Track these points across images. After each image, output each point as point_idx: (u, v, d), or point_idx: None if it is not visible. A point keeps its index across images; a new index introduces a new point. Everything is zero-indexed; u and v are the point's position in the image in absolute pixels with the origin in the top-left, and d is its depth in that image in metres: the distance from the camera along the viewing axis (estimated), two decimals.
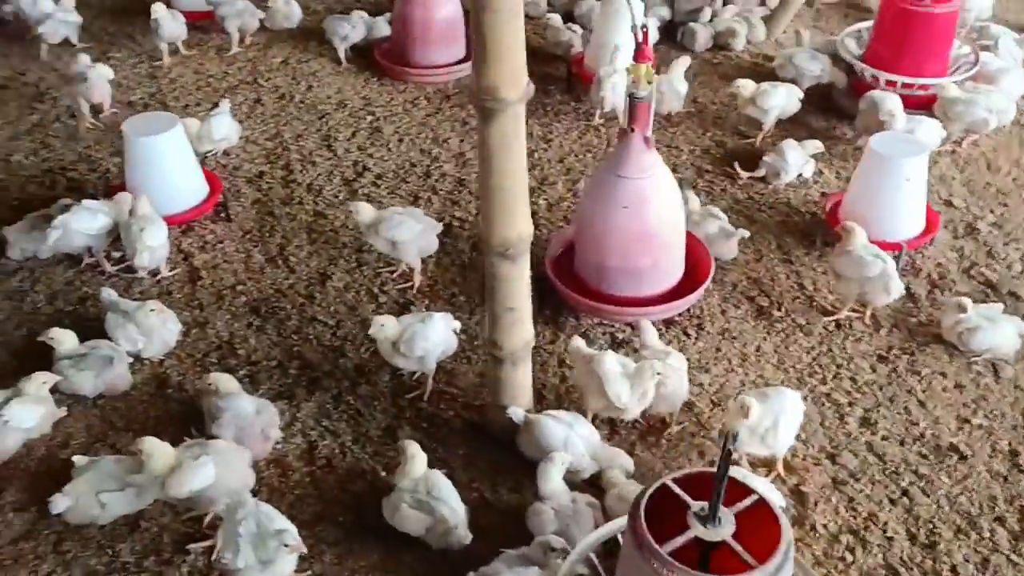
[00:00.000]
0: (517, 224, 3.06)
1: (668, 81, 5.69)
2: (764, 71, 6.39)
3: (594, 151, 5.59)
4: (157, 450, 3.19)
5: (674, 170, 4.59)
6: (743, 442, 3.26)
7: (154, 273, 4.53)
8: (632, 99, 3.81)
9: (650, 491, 2.35)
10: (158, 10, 6.32)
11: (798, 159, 5.13)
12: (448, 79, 6.39)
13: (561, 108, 6.05)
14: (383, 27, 6.76)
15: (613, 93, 5.63)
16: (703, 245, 4.34)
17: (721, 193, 5.18)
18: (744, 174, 5.25)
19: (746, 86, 5.45)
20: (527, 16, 6.97)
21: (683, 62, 5.82)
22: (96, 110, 5.78)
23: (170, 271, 4.58)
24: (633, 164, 3.91)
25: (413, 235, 4.36)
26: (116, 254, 4.63)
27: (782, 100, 5.46)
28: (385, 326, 3.70)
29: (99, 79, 5.62)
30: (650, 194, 3.91)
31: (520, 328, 3.31)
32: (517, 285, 3.19)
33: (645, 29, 3.72)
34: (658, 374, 3.44)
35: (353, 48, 6.62)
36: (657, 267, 4.06)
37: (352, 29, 6.54)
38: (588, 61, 6.14)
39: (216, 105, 5.56)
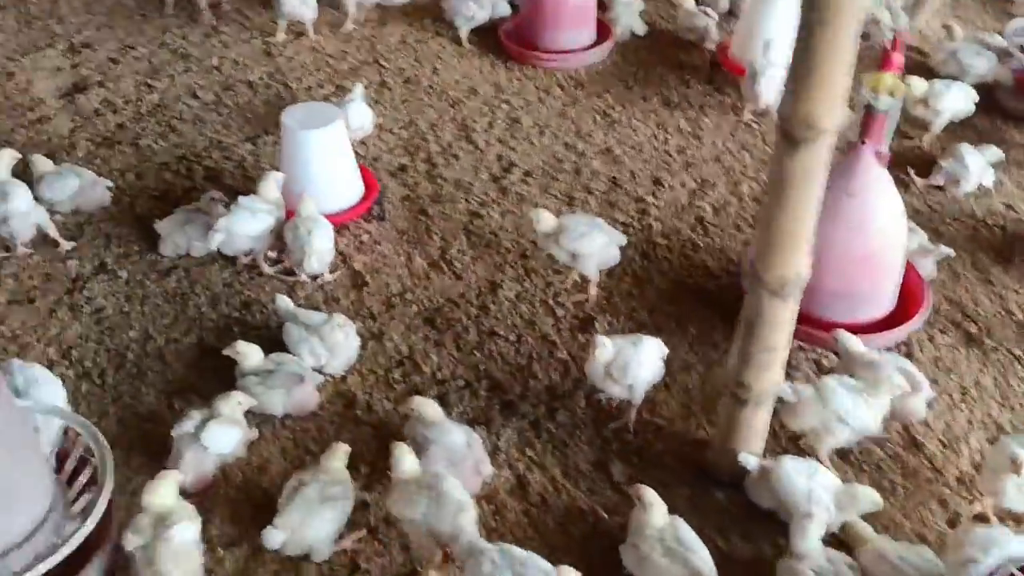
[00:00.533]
0: (797, 262, 2.81)
1: None
2: (912, 65, 6.06)
3: (751, 149, 5.30)
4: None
5: None
6: (1011, 499, 3.03)
7: (314, 276, 4.28)
8: (868, 110, 3.53)
9: None
10: None
11: (978, 165, 4.85)
12: (578, 64, 6.09)
13: (706, 101, 5.75)
14: (502, 6, 6.43)
15: (768, 89, 5.33)
16: (912, 265, 4.08)
17: None
18: (920, 181, 4.96)
19: (917, 85, 5.14)
20: None
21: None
22: None
23: (332, 274, 4.33)
24: (860, 180, 3.64)
25: (596, 248, 4.11)
26: (272, 254, 4.38)
27: (958, 102, 5.16)
28: (606, 347, 3.46)
29: None
30: (876, 213, 3.65)
31: (773, 370, 3.07)
32: (783, 327, 2.95)
33: (896, 35, 3.43)
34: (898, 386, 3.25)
35: (474, 28, 6.31)
36: (875, 291, 3.81)
37: (479, 10, 6.22)
38: (735, 51, 5.82)
39: (341, 89, 5.30)
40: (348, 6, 6.33)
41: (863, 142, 3.60)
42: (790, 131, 2.58)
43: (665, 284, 4.36)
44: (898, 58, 3.43)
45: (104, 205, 4.64)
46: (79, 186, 4.53)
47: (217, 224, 4.12)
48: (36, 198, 4.33)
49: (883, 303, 3.88)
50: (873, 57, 4.80)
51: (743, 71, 5.66)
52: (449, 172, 5.09)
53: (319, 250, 4.13)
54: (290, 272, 4.31)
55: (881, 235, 3.70)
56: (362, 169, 4.72)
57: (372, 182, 4.72)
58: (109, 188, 4.67)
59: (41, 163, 4.54)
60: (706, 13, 6.32)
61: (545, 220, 4.12)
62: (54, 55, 6.00)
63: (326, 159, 4.38)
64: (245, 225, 4.16)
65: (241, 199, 4.24)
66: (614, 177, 5.09)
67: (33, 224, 4.28)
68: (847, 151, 3.74)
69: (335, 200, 4.45)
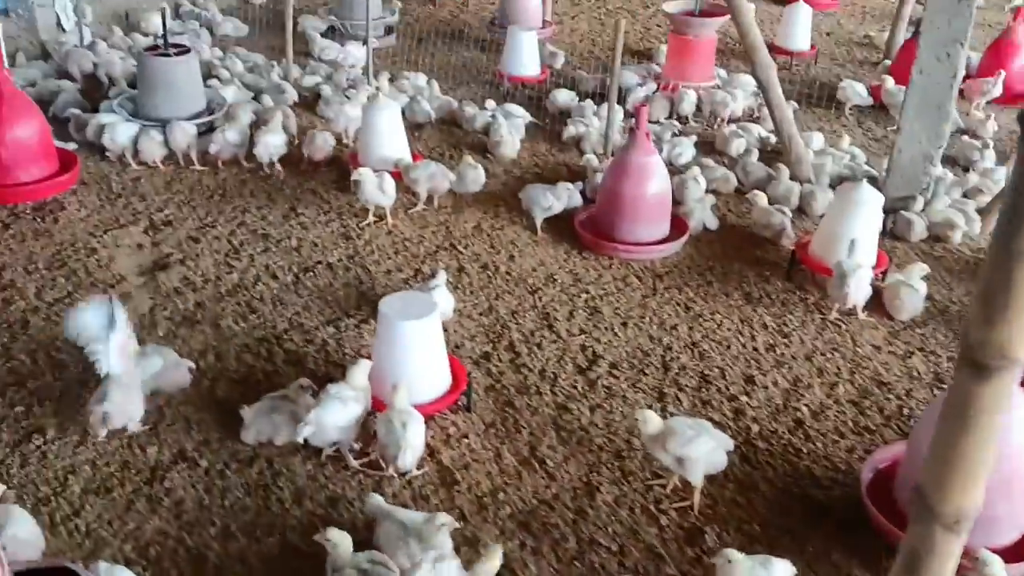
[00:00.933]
0: (975, 493, 2.58)
1: (906, 282, 5.37)
2: None
3: (841, 350, 5.17)
4: None
5: None
6: None
7: (403, 472, 4.07)
8: None
9: None
10: (363, 173, 6.12)
11: None
12: (654, 256, 6.08)
13: (787, 298, 5.69)
14: (576, 197, 6.53)
15: (856, 290, 5.27)
16: None
17: None
18: None
19: None
20: (716, 192, 6.78)
21: (921, 268, 5.50)
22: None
23: (419, 470, 4.12)
24: None
25: (703, 452, 3.91)
26: (356, 446, 4.20)
27: None
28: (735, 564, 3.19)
29: None
30: (1017, 431, 3.45)
31: None
32: (951, 561, 2.69)
33: None
34: None
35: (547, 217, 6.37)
36: (1012, 515, 3.55)
37: (556, 200, 6.30)
38: (816, 250, 5.80)
39: (420, 274, 5.25)
40: (420, 190, 6.44)
41: None
42: (981, 359, 2.42)
43: (771, 492, 4.12)
44: None
45: (184, 387, 4.51)
46: (162, 366, 4.42)
47: (308, 416, 3.96)
48: None
49: (1017, 528, 3.61)
50: None
51: (825, 270, 5.64)
52: (533, 361, 4.97)
53: (414, 445, 3.94)
54: (376, 466, 4.10)
55: (1021, 455, 3.48)
56: (449, 357, 4.59)
57: (458, 371, 4.58)
58: (191, 370, 4.56)
59: None
60: (781, 211, 6.38)
61: (651, 422, 3.95)
62: (136, 232, 6.06)
63: (421, 350, 4.27)
64: (335, 415, 4.01)
65: (331, 388, 4.11)
66: (704, 373, 4.94)
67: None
68: None
69: (426, 391, 4.31)
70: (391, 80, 8.76)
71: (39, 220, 6.09)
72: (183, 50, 7.15)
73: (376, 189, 6.14)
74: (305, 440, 4.12)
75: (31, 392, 4.49)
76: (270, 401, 4.21)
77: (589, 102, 8.36)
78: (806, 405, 4.72)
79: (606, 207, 6.17)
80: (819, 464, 4.30)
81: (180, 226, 6.17)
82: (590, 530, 3.87)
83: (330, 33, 10.33)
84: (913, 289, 5.39)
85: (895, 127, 8.30)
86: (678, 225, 6.27)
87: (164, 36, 7.24)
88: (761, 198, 6.47)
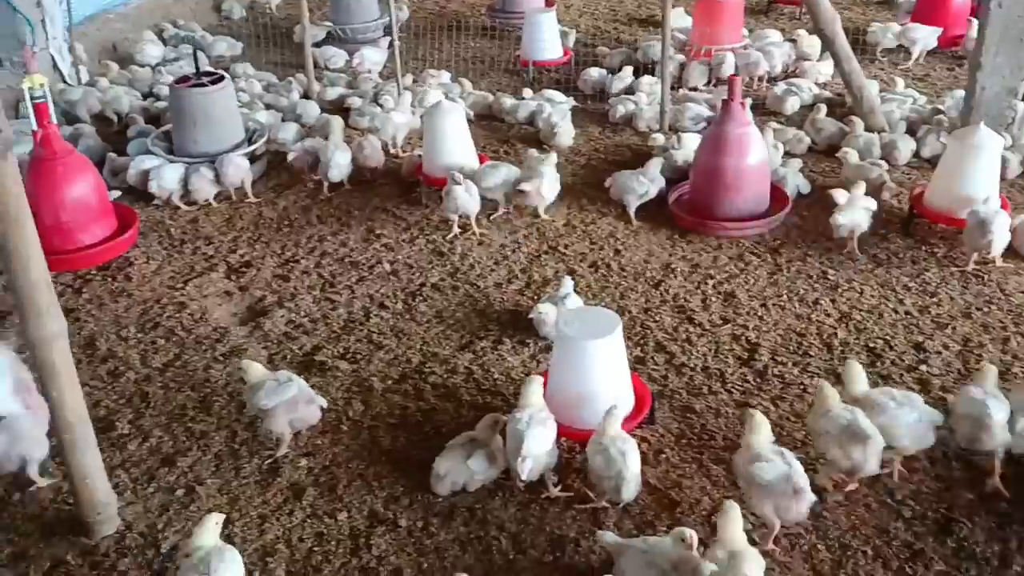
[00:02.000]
0: None
1: None
2: None
3: (996, 301, 4.98)
4: None
5: None
6: None
7: (617, 502, 3.78)
8: None
9: None
10: (457, 179, 5.77)
11: None
12: (763, 230, 5.83)
13: (914, 255, 5.51)
14: (661, 181, 6.24)
15: (1000, 236, 5.08)
16: None
17: None
18: None
19: None
20: (789, 155, 6.55)
21: None
22: None
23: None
24: None
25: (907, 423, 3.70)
26: (553, 476, 3.89)
27: None
28: None
29: None
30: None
31: None
32: None
33: None
34: None
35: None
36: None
37: (651, 184, 6.02)
38: (933, 199, 5.61)
39: (531, 283, 4.94)
40: (498, 195, 6.11)
41: None
42: None
43: None
44: None
45: (313, 424, 4.17)
46: (292, 397, 4.06)
47: (523, 450, 3.64)
48: None
49: None
50: None
51: (947, 220, 5.47)
52: (691, 360, 4.69)
53: (635, 475, 3.65)
54: (584, 497, 3.81)
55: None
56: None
57: (635, 383, 4.28)
58: (322, 408, 4.21)
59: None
60: (876, 164, 6.18)
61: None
62: (217, 279, 5.64)
63: (611, 367, 3.97)
64: (544, 441, 3.70)
65: (521, 414, 3.79)
66: (868, 346, 4.72)
67: None
68: None
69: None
70: (414, 81, 8.39)
71: (111, 280, 5.62)
72: (216, 78, 6.68)
73: (468, 196, 5.79)
74: (498, 480, 3.82)
75: (189, 468, 4.09)
76: (462, 447, 3.88)
77: (646, 78, 8.06)
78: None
79: (705, 185, 5.90)
80: None
81: (261, 265, 5.75)
82: (835, 532, 3.63)
83: (329, 40, 9.87)
84: None
85: (950, 66, 8.20)
86: (775, 195, 6.03)
87: (196, 66, 6.75)
88: (852, 155, 6.27)
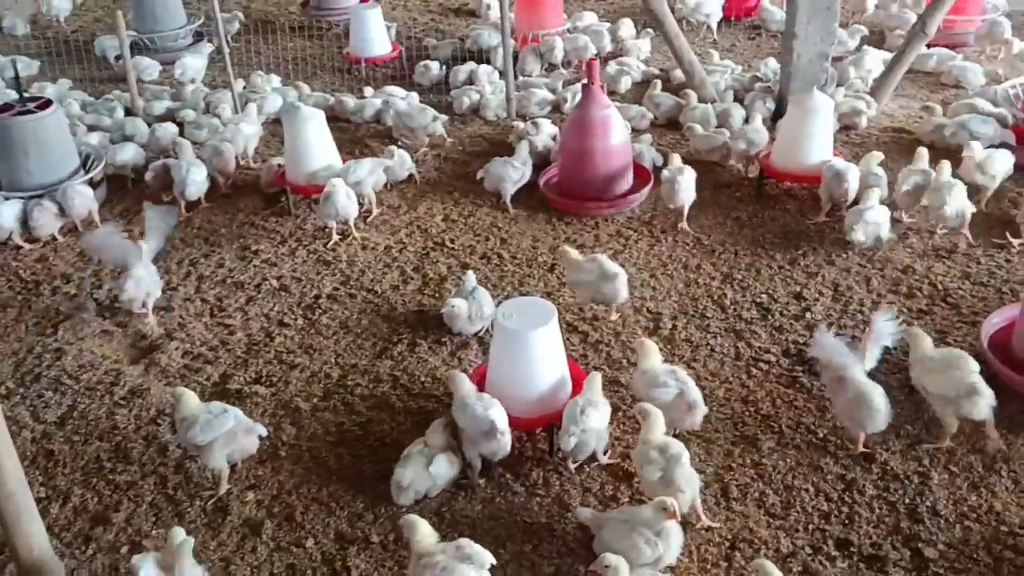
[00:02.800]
0: None
1: (871, 171, 5.78)
2: (905, 143, 6.66)
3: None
4: None
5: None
6: None
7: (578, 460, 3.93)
8: None
9: None
10: (337, 185, 5.65)
11: None
12: (635, 206, 6.14)
13: (768, 213, 5.97)
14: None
15: (853, 183, 5.60)
16: None
17: (1006, 266, 5.27)
18: (1016, 242, 5.39)
19: (975, 149, 5.63)
20: (635, 131, 6.91)
21: (877, 156, 5.92)
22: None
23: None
24: None
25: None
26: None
27: (1006, 164, 5.71)
28: None
29: None
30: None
31: None
32: None
33: None
34: None
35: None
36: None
37: (525, 168, 6.17)
38: (779, 160, 6.11)
39: (429, 282, 4.99)
40: (368, 192, 6.06)
41: None
42: None
43: None
44: None
45: (252, 454, 4.03)
46: (229, 429, 3.90)
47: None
48: None
49: None
50: None
51: (794, 177, 5.99)
52: (604, 336, 4.90)
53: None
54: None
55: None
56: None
57: (574, 368, 4.40)
58: (261, 437, 4.06)
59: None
60: (718, 132, 6.64)
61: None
62: (90, 318, 5.23)
63: (553, 355, 4.09)
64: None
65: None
66: (756, 301, 5.11)
67: None
68: None
69: (561, 396, 4.14)
70: (245, 87, 8.07)
71: None
72: (43, 102, 6.14)
73: (348, 200, 5.70)
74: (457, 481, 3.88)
75: (126, 523, 3.82)
76: (421, 455, 3.87)
77: (482, 68, 8.16)
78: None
79: (574, 167, 6.12)
80: None
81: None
82: (777, 476, 3.95)
83: (135, 51, 9.24)
84: (880, 177, 5.83)
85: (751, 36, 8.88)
86: (637, 171, 6.34)
87: (19, 90, 6.17)
88: (697, 127, 6.69)
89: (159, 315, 5.20)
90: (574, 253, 5.02)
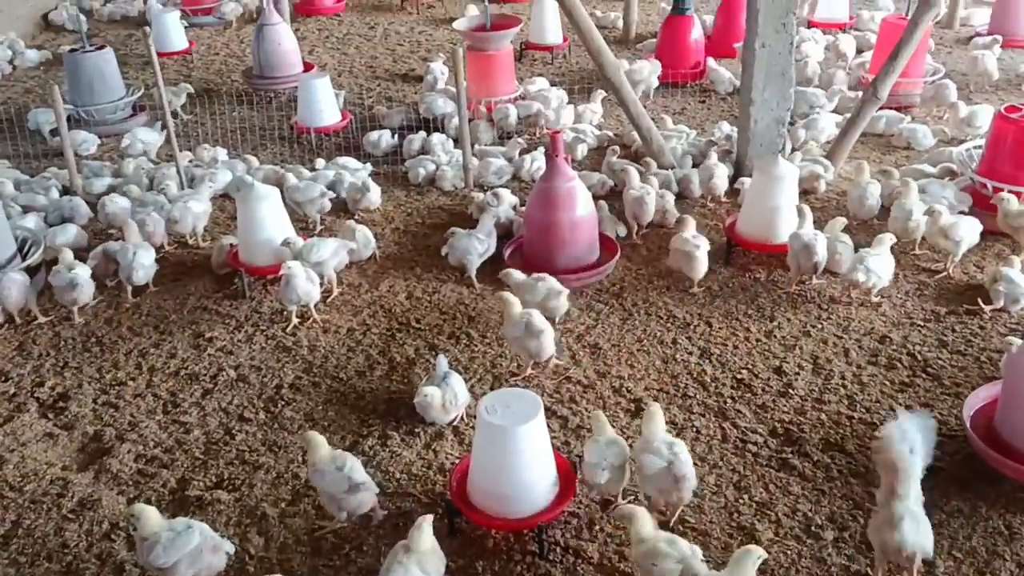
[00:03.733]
0: None
1: (838, 238, 5.77)
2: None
3: (824, 317, 5.46)
4: None
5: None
6: None
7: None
8: None
9: None
10: (294, 267, 5.40)
11: (1023, 279, 5.37)
12: (601, 277, 6.01)
13: (738, 282, 5.89)
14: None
15: (823, 253, 5.58)
16: None
17: (981, 333, 5.25)
18: (987, 308, 5.39)
19: (942, 215, 5.65)
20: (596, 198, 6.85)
21: (840, 221, 5.92)
22: None
23: None
24: None
25: None
26: None
27: (973, 233, 5.73)
28: None
29: None
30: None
31: None
32: None
33: None
34: None
35: None
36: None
37: (489, 240, 6.01)
38: (745, 228, 6.06)
39: (396, 366, 4.76)
40: (329, 272, 5.83)
41: None
42: None
43: None
44: None
45: (219, 572, 3.71)
46: (195, 547, 3.59)
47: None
48: None
49: None
50: None
51: (760, 247, 5.94)
52: (584, 420, 4.70)
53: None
54: None
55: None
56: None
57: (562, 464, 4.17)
58: (228, 554, 3.76)
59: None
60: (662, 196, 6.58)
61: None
62: (31, 420, 4.85)
63: (541, 450, 3.87)
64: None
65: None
66: (736, 377, 4.99)
67: None
68: None
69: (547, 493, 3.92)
70: (191, 161, 7.81)
71: None
72: None
73: (310, 283, 5.45)
74: None
75: None
76: (401, 563, 3.59)
77: (436, 137, 8.02)
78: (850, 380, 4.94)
79: (540, 240, 5.97)
80: None
81: (81, 396, 5.03)
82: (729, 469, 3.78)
83: (71, 124, 8.90)
84: (847, 244, 5.82)
85: (701, 99, 8.95)
86: (603, 241, 6.22)
87: None
88: (634, 179, 6.62)
89: (110, 415, 4.84)
90: (516, 306, 4.95)
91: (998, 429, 4.21)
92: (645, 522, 3.55)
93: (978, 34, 10.57)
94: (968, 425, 4.23)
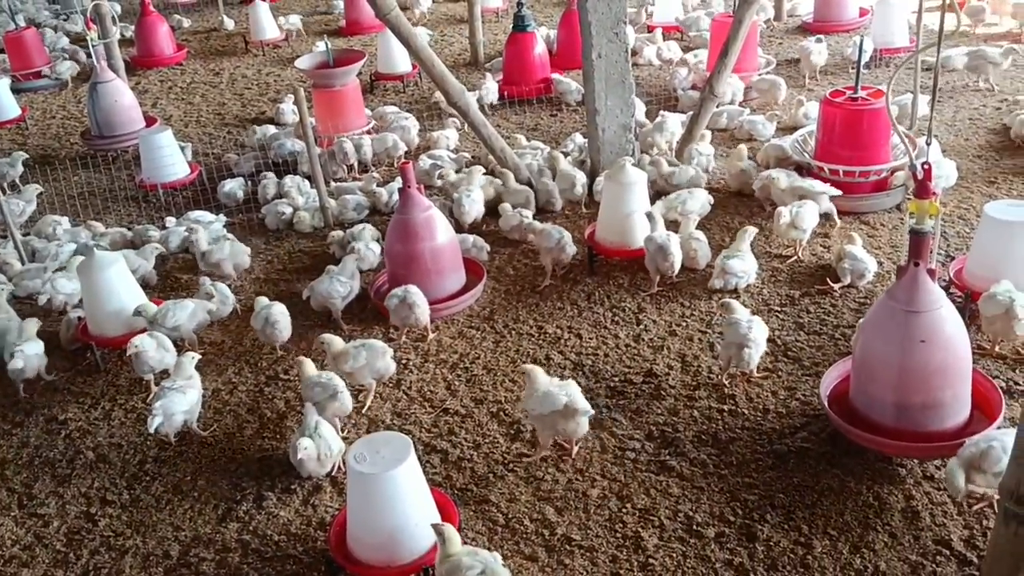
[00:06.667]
0: None
1: (692, 236, 5.94)
2: (716, 199, 6.87)
3: (687, 316, 5.58)
4: None
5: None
6: None
7: None
8: (916, 234, 3.98)
9: None
10: (142, 342, 5.16)
11: (866, 255, 5.63)
12: (471, 302, 5.98)
13: (602, 290, 5.96)
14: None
15: (678, 254, 5.71)
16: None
17: (833, 311, 5.46)
18: (836, 286, 5.61)
19: (784, 214, 5.87)
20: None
21: (694, 220, 6.11)
22: None
23: None
24: (923, 298, 4.03)
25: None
26: None
27: (815, 217, 5.99)
28: None
29: None
30: (944, 326, 4.04)
31: None
32: None
33: (927, 166, 3.95)
34: None
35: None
36: (957, 400, 4.15)
37: (352, 281, 5.89)
38: (604, 235, 6.16)
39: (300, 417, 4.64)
40: (189, 334, 5.62)
41: (916, 264, 4.00)
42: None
43: None
44: (931, 185, 3.94)
45: None
46: None
47: None
48: None
49: (963, 410, 4.20)
50: None
51: (621, 252, 6.04)
52: (464, 451, 4.65)
53: None
54: None
55: (953, 346, 4.04)
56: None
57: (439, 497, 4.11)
58: None
59: None
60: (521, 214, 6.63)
61: None
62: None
63: (417, 493, 3.79)
64: None
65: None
66: (610, 385, 5.03)
67: None
68: (900, 274, 4.12)
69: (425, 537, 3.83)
70: (26, 234, 7.41)
71: None
72: None
73: (163, 351, 5.22)
74: None
75: None
76: None
77: (290, 179, 7.83)
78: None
79: (405, 273, 5.87)
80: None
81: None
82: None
83: None
84: (701, 241, 5.98)
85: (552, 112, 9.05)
86: (467, 265, 6.20)
87: None
88: (509, 211, 6.67)
89: None
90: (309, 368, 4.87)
91: (853, 403, 4.36)
92: (454, 541, 3.54)
93: (804, 24, 11.10)
94: (826, 404, 4.36)
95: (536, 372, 4.46)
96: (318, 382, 4.71)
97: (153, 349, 5.18)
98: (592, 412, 4.31)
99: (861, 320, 4.60)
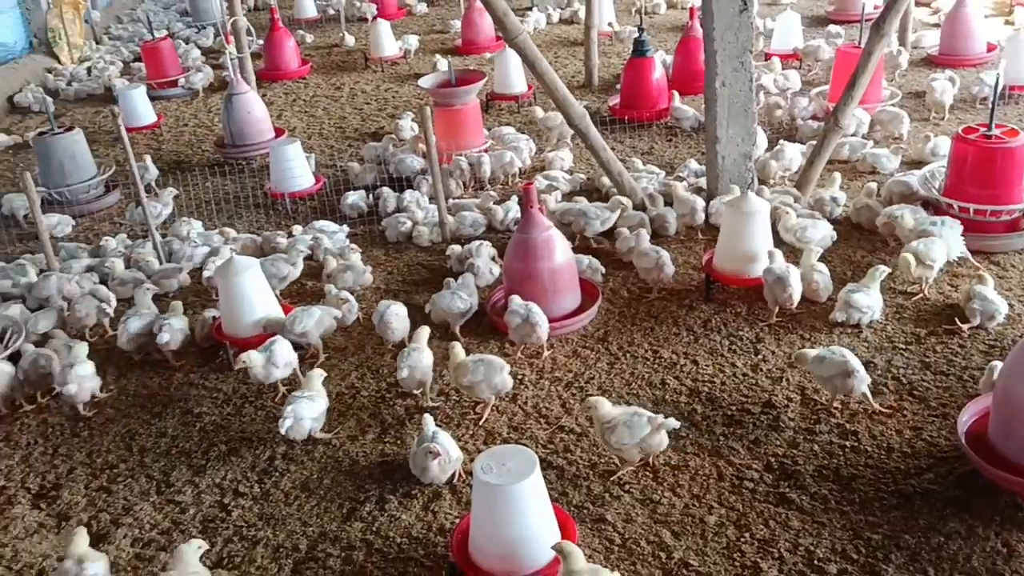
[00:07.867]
0: None
1: (815, 268, 5.88)
2: (840, 231, 6.78)
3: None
4: None
5: None
6: None
7: None
8: None
9: None
10: (250, 358, 5.37)
11: (997, 296, 5.47)
12: (586, 322, 6.06)
13: (719, 318, 5.96)
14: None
15: (797, 286, 5.67)
16: None
17: (961, 352, 5.33)
18: (966, 327, 5.48)
19: (909, 259, 5.76)
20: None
21: (816, 251, 6.03)
22: None
23: None
24: None
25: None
26: None
27: (943, 254, 5.86)
28: None
29: None
30: None
31: None
32: None
33: None
34: None
35: None
36: None
37: (470, 298, 6.04)
38: (722, 264, 6.15)
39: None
40: (315, 341, 5.83)
41: None
42: None
43: None
44: None
45: None
46: None
47: None
48: None
49: None
50: None
51: (739, 281, 6.02)
52: (580, 469, 4.72)
53: None
54: None
55: None
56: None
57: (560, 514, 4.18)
58: None
59: None
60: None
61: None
62: (23, 512, 4.80)
63: (539, 507, 3.88)
64: None
65: None
66: (727, 414, 5.03)
67: None
68: None
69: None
70: (163, 235, 7.82)
71: None
72: None
73: (270, 367, 5.39)
74: None
75: None
76: None
77: (409, 194, 8.10)
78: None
79: (522, 290, 5.99)
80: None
81: (72, 483, 4.99)
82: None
83: (44, 206, 8.89)
84: (823, 273, 5.92)
85: (668, 137, 9.06)
86: (583, 287, 6.28)
87: None
88: (626, 234, 6.71)
89: (104, 499, 4.80)
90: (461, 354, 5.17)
91: (992, 442, 4.26)
92: (577, 558, 3.61)
93: (931, 56, 10.85)
94: (963, 441, 4.28)
95: (602, 402, 4.62)
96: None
97: (260, 365, 5.37)
98: (677, 424, 4.47)
99: (992, 362, 4.47)
